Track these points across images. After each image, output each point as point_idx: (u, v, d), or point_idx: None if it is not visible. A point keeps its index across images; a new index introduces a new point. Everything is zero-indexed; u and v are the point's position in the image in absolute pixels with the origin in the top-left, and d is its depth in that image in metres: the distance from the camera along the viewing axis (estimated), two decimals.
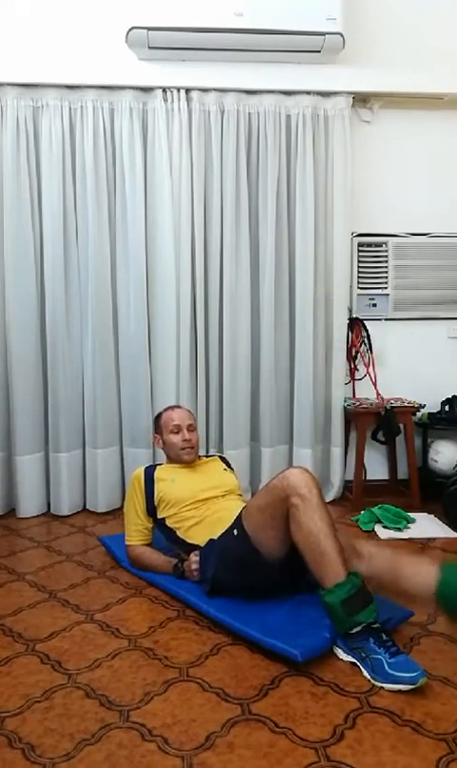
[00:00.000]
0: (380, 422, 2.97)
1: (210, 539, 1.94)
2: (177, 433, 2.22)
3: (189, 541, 2.03)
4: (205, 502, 2.09)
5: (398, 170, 3.15)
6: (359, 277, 3.17)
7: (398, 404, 2.98)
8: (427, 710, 1.37)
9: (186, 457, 2.22)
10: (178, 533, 2.07)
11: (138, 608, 1.91)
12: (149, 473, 2.18)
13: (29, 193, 2.78)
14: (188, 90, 2.85)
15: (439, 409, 3.15)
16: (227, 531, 1.88)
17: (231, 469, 2.37)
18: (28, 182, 2.78)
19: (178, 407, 2.37)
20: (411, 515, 2.74)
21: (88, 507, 2.96)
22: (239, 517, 1.85)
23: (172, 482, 2.14)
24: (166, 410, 2.33)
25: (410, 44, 2.94)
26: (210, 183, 2.90)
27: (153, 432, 2.35)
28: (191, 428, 2.25)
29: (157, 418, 2.33)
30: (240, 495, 2.22)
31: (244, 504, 1.97)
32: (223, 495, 2.14)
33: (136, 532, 2.15)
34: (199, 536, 2.00)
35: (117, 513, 2.88)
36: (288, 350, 3.04)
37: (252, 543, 1.76)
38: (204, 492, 2.12)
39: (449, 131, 3.15)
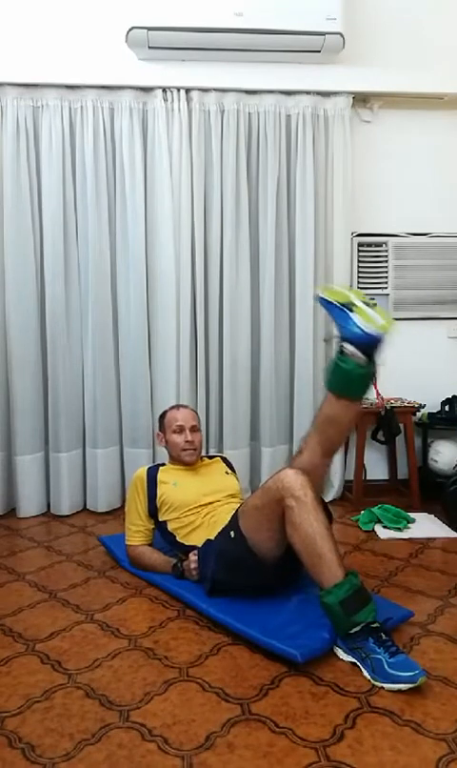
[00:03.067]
0: (380, 422, 2.96)
1: (208, 539, 1.94)
2: (180, 433, 2.22)
3: (188, 544, 2.03)
4: (206, 507, 2.09)
5: (398, 170, 3.15)
6: (359, 277, 3.17)
7: (398, 404, 2.98)
8: (426, 710, 1.37)
9: (187, 458, 2.21)
10: (177, 537, 2.08)
11: (138, 608, 1.91)
12: (152, 474, 2.18)
13: (29, 193, 2.78)
14: (188, 90, 2.85)
15: (439, 409, 3.15)
16: (223, 532, 1.88)
17: (233, 471, 2.37)
18: (28, 182, 2.78)
19: (184, 406, 2.35)
20: (411, 515, 2.74)
21: (88, 507, 2.96)
22: (235, 518, 1.85)
23: (175, 486, 2.13)
24: (171, 409, 2.32)
25: (410, 44, 2.94)
26: (210, 183, 2.90)
27: (158, 430, 2.35)
28: (195, 429, 2.24)
29: (162, 416, 2.32)
30: (241, 499, 2.21)
31: None
32: (224, 500, 2.14)
33: (137, 532, 2.15)
34: (198, 540, 2.00)
35: (117, 513, 2.88)
36: (288, 349, 3.04)
37: (249, 545, 1.77)
38: (206, 496, 2.12)
39: (450, 131, 3.15)
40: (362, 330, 1.70)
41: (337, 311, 1.75)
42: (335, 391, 1.78)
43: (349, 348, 1.72)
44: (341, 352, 1.75)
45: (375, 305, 1.74)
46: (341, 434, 1.85)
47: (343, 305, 1.74)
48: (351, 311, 1.72)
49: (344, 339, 1.74)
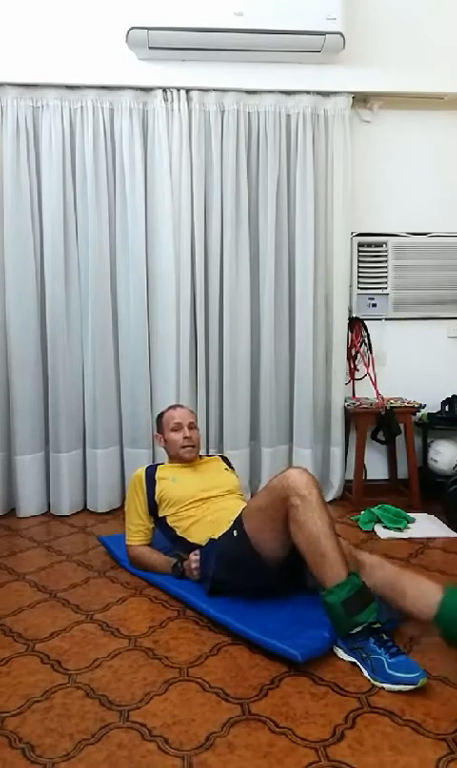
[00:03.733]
0: (380, 422, 2.96)
1: (211, 539, 1.94)
2: (178, 431, 2.23)
3: (189, 540, 2.03)
4: (205, 501, 2.10)
5: (398, 170, 3.15)
6: (359, 277, 3.17)
7: (398, 404, 2.98)
8: (426, 710, 1.37)
9: (186, 455, 2.22)
10: (178, 531, 2.08)
11: (138, 608, 1.91)
12: (150, 472, 2.19)
13: (29, 193, 2.78)
14: (188, 90, 2.85)
15: (439, 409, 3.15)
16: (226, 532, 1.88)
17: (232, 468, 2.37)
18: (28, 182, 2.78)
19: (180, 406, 2.38)
20: (411, 515, 2.74)
21: (88, 507, 2.96)
22: (239, 518, 1.85)
23: (173, 481, 2.14)
24: (168, 408, 2.34)
25: (410, 44, 2.94)
26: (210, 183, 2.90)
27: (156, 430, 2.36)
28: (192, 426, 2.26)
29: (159, 417, 2.34)
30: (240, 495, 2.22)
31: (244, 504, 1.98)
32: (223, 495, 2.14)
33: (137, 532, 2.15)
34: (199, 535, 2.00)
35: (117, 513, 2.88)
36: (288, 350, 3.04)
37: (252, 544, 1.76)
38: (204, 491, 2.12)
39: (450, 131, 3.15)
40: None
41: None
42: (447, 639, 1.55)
43: None
44: None
45: None
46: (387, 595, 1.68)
47: None
48: None
49: None
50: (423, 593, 1.54)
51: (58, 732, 1.31)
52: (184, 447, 2.21)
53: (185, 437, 2.21)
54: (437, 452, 3.05)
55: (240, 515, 1.86)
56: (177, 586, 1.96)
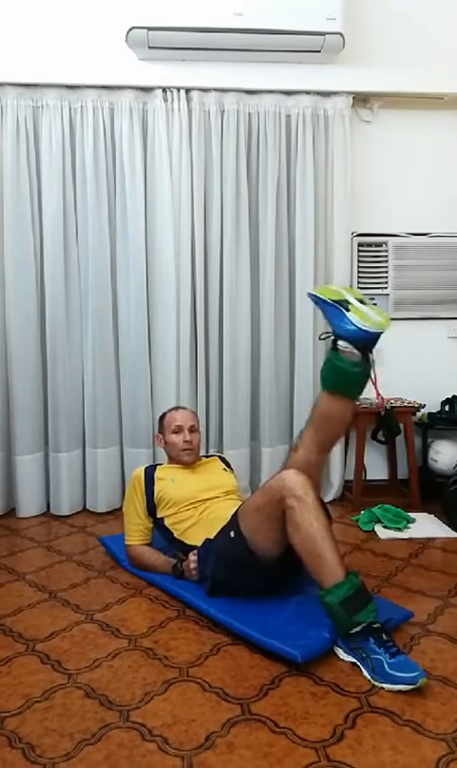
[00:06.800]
0: (380, 422, 2.96)
1: (207, 539, 1.94)
2: (179, 433, 2.23)
3: (187, 542, 2.04)
4: (204, 503, 2.10)
5: (398, 170, 3.15)
6: (359, 277, 3.16)
7: (398, 404, 2.98)
8: (426, 710, 1.37)
9: (186, 458, 2.22)
10: (175, 534, 2.08)
11: (138, 608, 1.91)
12: (150, 472, 2.19)
13: (29, 193, 2.78)
14: (188, 90, 2.85)
15: (439, 409, 3.15)
16: (223, 531, 1.88)
17: (231, 469, 2.37)
18: (28, 182, 2.78)
19: (182, 408, 2.38)
20: (411, 514, 2.74)
21: (88, 507, 2.96)
22: (235, 518, 1.85)
23: (172, 482, 2.14)
24: (170, 410, 2.35)
25: (410, 44, 2.94)
26: (210, 183, 2.90)
27: (157, 431, 2.36)
28: (193, 429, 2.26)
29: (161, 418, 2.34)
30: (240, 497, 2.22)
31: None
32: (222, 496, 2.14)
33: (136, 531, 2.16)
34: (196, 538, 2.00)
35: (117, 513, 2.88)
36: (287, 350, 3.04)
37: (249, 544, 1.77)
38: (203, 492, 2.13)
39: (450, 131, 3.15)
40: (357, 327, 1.67)
41: (330, 308, 1.73)
42: (331, 389, 1.77)
43: (344, 345, 1.71)
44: (335, 349, 1.73)
45: (373, 304, 1.72)
46: (337, 432, 1.85)
47: (337, 302, 1.71)
48: (347, 309, 1.70)
49: (338, 336, 1.72)
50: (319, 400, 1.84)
51: (58, 732, 1.31)
52: (184, 450, 2.22)
53: (185, 441, 2.22)
54: (437, 452, 3.05)
55: (236, 514, 1.87)
56: (177, 586, 1.96)
